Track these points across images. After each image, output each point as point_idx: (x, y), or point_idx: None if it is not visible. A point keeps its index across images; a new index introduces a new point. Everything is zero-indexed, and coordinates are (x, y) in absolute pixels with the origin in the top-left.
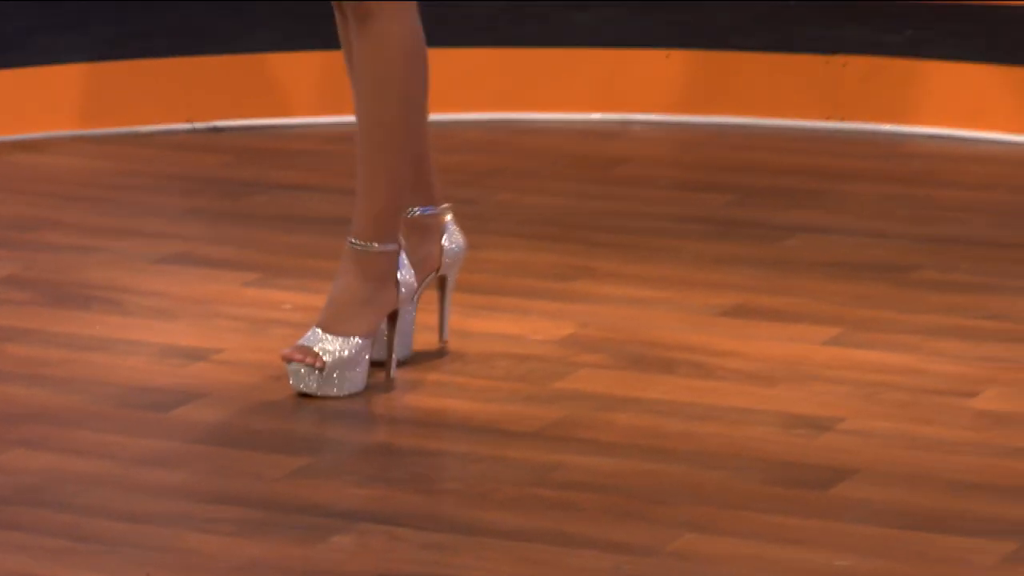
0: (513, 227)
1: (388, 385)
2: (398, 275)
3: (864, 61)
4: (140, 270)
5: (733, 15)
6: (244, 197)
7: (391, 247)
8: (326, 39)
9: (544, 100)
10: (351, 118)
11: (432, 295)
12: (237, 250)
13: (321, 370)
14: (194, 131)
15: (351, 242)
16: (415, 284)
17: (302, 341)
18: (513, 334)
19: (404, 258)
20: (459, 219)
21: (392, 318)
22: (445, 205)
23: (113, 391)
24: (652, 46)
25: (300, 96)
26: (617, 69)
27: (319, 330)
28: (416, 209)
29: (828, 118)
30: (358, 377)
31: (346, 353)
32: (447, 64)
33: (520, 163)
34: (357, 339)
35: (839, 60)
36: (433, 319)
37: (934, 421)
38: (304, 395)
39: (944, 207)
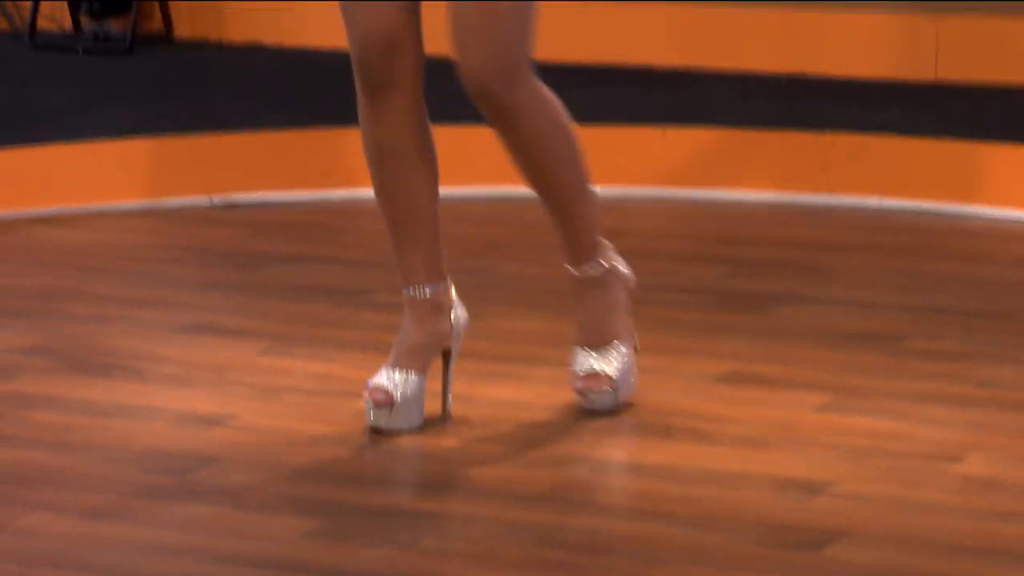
0: (518, 297)
1: (396, 449)
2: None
3: (852, 138)
4: (159, 339)
5: (725, 93)
6: (259, 269)
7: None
8: (336, 117)
9: None
10: (364, 192)
11: (436, 364)
12: (252, 320)
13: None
14: (212, 206)
15: (577, 271)
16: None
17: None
18: (517, 400)
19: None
20: (467, 289)
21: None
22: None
23: (133, 456)
24: (648, 123)
25: (312, 172)
26: (614, 145)
27: (582, 347)
28: (428, 288)
29: (817, 191)
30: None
31: (628, 356)
32: (452, 140)
33: (524, 236)
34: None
35: (827, 137)
36: (437, 385)
37: (922, 485)
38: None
39: (931, 279)
